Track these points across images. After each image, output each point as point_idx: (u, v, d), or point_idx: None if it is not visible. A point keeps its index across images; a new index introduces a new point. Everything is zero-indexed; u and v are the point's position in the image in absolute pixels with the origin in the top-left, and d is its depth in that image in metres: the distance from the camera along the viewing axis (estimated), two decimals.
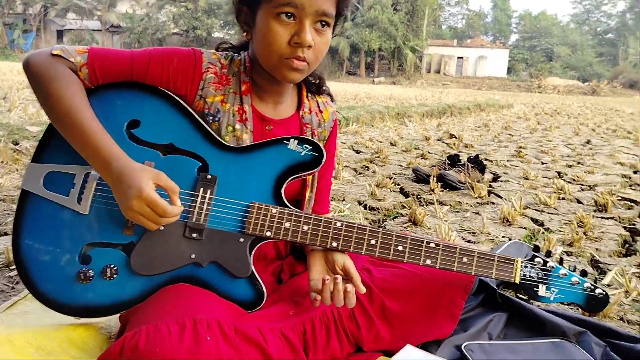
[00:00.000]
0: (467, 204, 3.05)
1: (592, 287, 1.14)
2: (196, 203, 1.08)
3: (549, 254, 1.18)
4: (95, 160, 1.02)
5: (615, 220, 2.84)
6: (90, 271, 1.05)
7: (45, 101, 1.04)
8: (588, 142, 6.73)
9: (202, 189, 1.09)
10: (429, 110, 9.48)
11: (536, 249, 1.17)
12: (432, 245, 1.14)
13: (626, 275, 1.93)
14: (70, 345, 1.02)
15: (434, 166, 3.66)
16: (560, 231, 2.54)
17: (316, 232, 1.11)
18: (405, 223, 2.57)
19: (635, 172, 4.49)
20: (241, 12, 1.14)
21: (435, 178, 3.41)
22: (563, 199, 3.32)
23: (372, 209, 2.84)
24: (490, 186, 3.57)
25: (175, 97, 1.13)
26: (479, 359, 1.20)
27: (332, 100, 1.40)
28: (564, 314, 1.43)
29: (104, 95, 1.10)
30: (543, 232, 2.52)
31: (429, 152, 4.95)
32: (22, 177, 1.10)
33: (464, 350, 1.20)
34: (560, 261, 1.17)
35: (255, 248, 1.11)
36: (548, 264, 1.15)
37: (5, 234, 2.03)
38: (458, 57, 46.76)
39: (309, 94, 1.33)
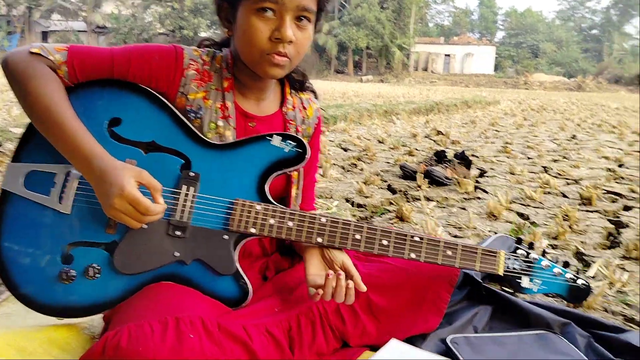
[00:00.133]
0: (453, 199, 3.07)
1: (574, 278, 1.15)
2: (179, 201, 1.07)
3: (531, 246, 1.19)
4: (77, 159, 1.01)
5: (600, 213, 2.87)
6: (72, 271, 1.04)
7: (24, 100, 1.03)
8: (573, 137, 6.80)
9: (185, 187, 1.08)
10: (416, 108, 9.51)
11: (519, 241, 1.18)
12: (416, 238, 1.14)
13: (610, 267, 1.96)
14: (52, 346, 1.01)
15: (421, 162, 3.67)
16: (545, 225, 2.57)
17: (301, 228, 1.11)
18: (393, 219, 2.58)
19: (620, 166, 4.54)
20: (222, 9, 1.14)
21: (422, 174, 3.42)
22: (549, 193, 3.35)
23: (359, 206, 2.85)
24: (476, 181, 3.59)
25: (157, 94, 1.12)
26: (464, 352, 1.20)
27: (315, 97, 1.39)
28: (549, 305, 1.44)
29: (84, 93, 1.09)
30: (529, 226, 2.55)
31: (416, 149, 4.97)
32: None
33: (450, 344, 1.21)
34: (543, 253, 1.18)
35: (240, 245, 1.11)
36: (531, 256, 1.16)
37: None
38: (445, 55, 46.97)
39: (293, 91, 1.32)
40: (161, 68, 1.13)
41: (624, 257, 2.14)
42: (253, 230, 1.09)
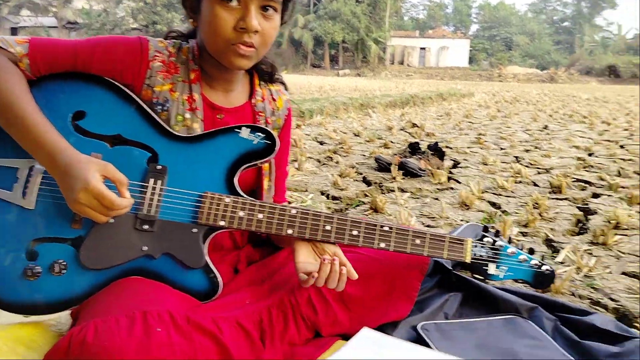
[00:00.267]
0: (427, 190, 3.10)
1: (539, 264, 1.18)
2: (146, 194, 1.06)
3: (497, 233, 1.21)
4: (40, 154, 0.99)
5: (570, 200, 2.94)
6: (37, 267, 1.02)
7: None
8: (545, 127, 6.92)
9: (152, 180, 1.07)
10: (392, 101, 9.57)
11: (485, 229, 1.21)
12: (386, 228, 1.15)
13: (578, 253, 2.01)
14: (17, 344, 0.99)
15: (396, 154, 3.70)
16: (516, 213, 2.62)
17: (271, 220, 1.11)
18: (367, 211, 2.59)
19: (590, 155, 4.64)
20: None
21: (397, 166, 3.45)
22: (520, 182, 3.40)
23: (334, 198, 2.86)
24: (450, 172, 3.63)
25: (122, 87, 1.11)
26: (434, 338, 1.22)
27: (285, 88, 1.39)
28: (518, 291, 1.47)
29: (46, 86, 1.07)
30: (500, 215, 2.59)
31: (391, 142, 5.00)
32: None
33: (420, 331, 1.23)
34: (509, 240, 1.21)
35: (210, 238, 1.10)
36: (497, 243, 1.18)
37: None
38: (421, 48, 47.28)
39: (262, 82, 1.32)
40: (126, 60, 1.11)
41: (592, 243, 2.20)
42: (222, 223, 1.09)
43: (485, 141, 5.30)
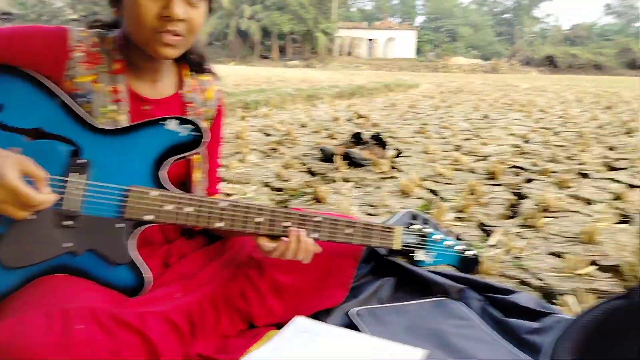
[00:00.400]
0: (370, 179, 3.15)
1: (464, 250, 1.23)
2: (68, 189, 1.03)
3: (426, 221, 1.25)
4: None
5: (504, 186, 3.06)
6: None
7: None
8: (486, 116, 7.16)
9: (73, 175, 1.04)
10: (339, 92, 9.64)
11: (413, 217, 1.24)
12: (319, 219, 1.17)
13: (509, 236, 2.10)
14: None
15: (340, 145, 3.74)
16: (453, 200, 2.70)
17: (200, 213, 1.10)
18: (310, 201, 2.61)
19: (525, 142, 4.85)
20: None
21: (341, 156, 3.48)
22: (459, 169, 3.52)
23: (278, 189, 2.86)
24: (393, 161, 3.71)
25: (41, 78, 1.06)
26: (368, 323, 1.25)
27: (216, 78, 1.37)
28: (448, 274, 1.52)
29: None
30: (438, 201, 2.67)
31: (338, 133, 5.04)
32: None
33: (351, 316, 1.25)
34: (436, 227, 1.25)
35: (137, 233, 1.08)
36: (424, 230, 1.22)
37: None
38: (368, 39, 47.72)
39: (192, 73, 1.30)
40: (44, 50, 1.07)
41: (522, 226, 2.30)
42: (149, 218, 1.07)
43: (428, 131, 5.44)
